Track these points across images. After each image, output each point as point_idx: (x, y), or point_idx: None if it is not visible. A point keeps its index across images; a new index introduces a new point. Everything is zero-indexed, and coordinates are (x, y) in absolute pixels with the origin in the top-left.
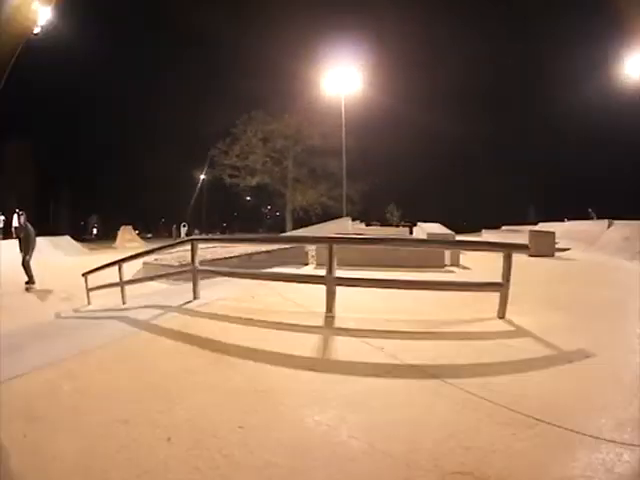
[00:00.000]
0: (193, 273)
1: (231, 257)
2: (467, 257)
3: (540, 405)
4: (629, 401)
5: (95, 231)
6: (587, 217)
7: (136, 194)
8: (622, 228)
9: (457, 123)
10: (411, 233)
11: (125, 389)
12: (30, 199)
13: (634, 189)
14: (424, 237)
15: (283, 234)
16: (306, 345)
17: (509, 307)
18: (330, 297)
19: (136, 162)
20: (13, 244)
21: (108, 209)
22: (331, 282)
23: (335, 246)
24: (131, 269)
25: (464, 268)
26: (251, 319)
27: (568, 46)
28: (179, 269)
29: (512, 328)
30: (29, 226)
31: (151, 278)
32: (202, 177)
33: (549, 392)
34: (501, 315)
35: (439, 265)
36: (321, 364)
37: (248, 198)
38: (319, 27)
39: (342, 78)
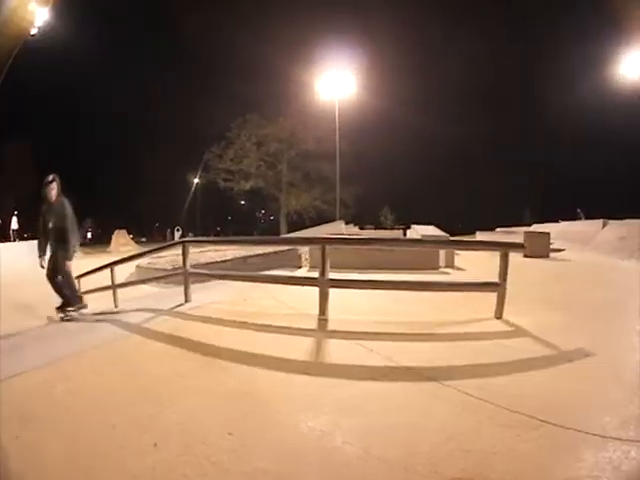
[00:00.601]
0: (184, 276)
1: (225, 261)
2: (461, 259)
3: (541, 405)
4: (631, 399)
5: (89, 235)
6: (577, 217)
7: (130, 198)
8: (618, 228)
9: (452, 125)
10: (405, 235)
11: (116, 392)
12: (28, 201)
13: (629, 189)
14: None
15: (275, 236)
16: (299, 348)
17: (506, 307)
18: (323, 299)
19: (131, 167)
20: (10, 247)
21: (102, 213)
22: (324, 284)
23: (328, 247)
24: (124, 272)
25: (459, 269)
26: (244, 322)
27: (563, 47)
28: (170, 272)
29: (510, 328)
30: (67, 205)
31: (143, 281)
32: (196, 181)
33: (550, 392)
34: (498, 315)
35: (434, 267)
36: (314, 367)
37: (242, 202)
38: (314, 31)
39: (336, 82)
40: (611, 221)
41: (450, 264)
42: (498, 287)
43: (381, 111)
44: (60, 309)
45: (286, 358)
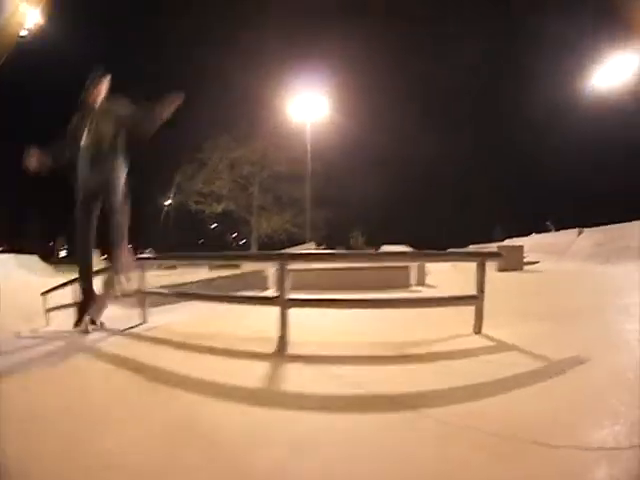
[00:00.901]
0: (140, 296)
1: (192, 282)
2: (433, 277)
3: (536, 425)
4: (634, 402)
5: (64, 253)
6: (548, 229)
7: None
8: (594, 234)
9: (424, 147)
10: None
11: (47, 417)
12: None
13: (602, 198)
14: None
15: (233, 252)
16: (253, 374)
17: (484, 321)
18: (283, 320)
19: None
20: None
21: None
22: (283, 303)
23: (287, 264)
24: None
25: (430, 287)
26: (198, 344)
27: (539, 59)
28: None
29: (491, 343)
30: (125, 107)
31: None
32: (168, 202)
33: (544, 409)
34: (477, 330)
35: (405, 285)
36: (268, 396)
37: (215, 225)
38: (287, 52)
39: (309, 103)
40: (587, 229)
41: (421, 282)
42: (476, 300)
43: (354, 132)
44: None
45: (237, 385)
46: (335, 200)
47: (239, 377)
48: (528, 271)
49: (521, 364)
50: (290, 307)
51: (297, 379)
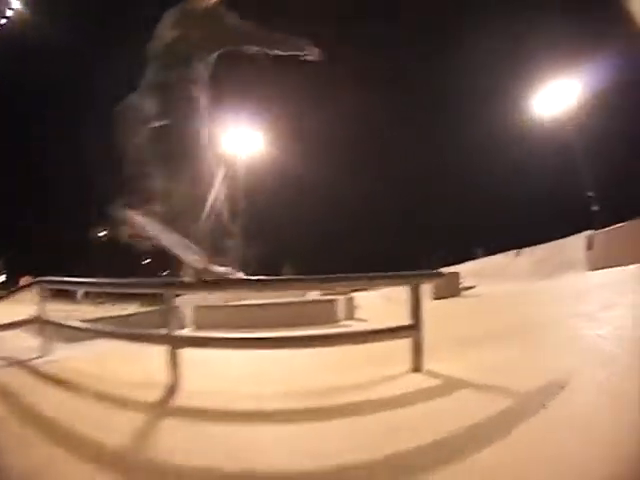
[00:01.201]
0: (40, 325)
1: (110, 317)
2: (363, 310)
3: None
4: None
5: (4, 277)
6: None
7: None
8: (533, 253)
9: (359, 180)
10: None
11: None
12: None
13: (537, 219)
14: (316, 294)
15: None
16: (124, 430)
17: (424, 355)
18: (172, 362)
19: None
20: None
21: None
22: (173, 342)
23: (174, 294)
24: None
25: (361, 321)
26: (82, 386)
27: (471, 83)
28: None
29: (436, 382)
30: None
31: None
32: (102, 234)
33: (525, 461)
34: (417, 367)
35: (332, 320)
36: (131, 464)
37: (148, 260)
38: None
39: (241, 138)
40: (526, 248)
41: (350, 316)
42: (413, 330)
43: (289, 167)
44: None
45: (99, 442)
46: (267, 235)
47: (105, 431)
48: (466, 296)
49: (474, 407)
50: (181, 347)
51: (176, 442)
